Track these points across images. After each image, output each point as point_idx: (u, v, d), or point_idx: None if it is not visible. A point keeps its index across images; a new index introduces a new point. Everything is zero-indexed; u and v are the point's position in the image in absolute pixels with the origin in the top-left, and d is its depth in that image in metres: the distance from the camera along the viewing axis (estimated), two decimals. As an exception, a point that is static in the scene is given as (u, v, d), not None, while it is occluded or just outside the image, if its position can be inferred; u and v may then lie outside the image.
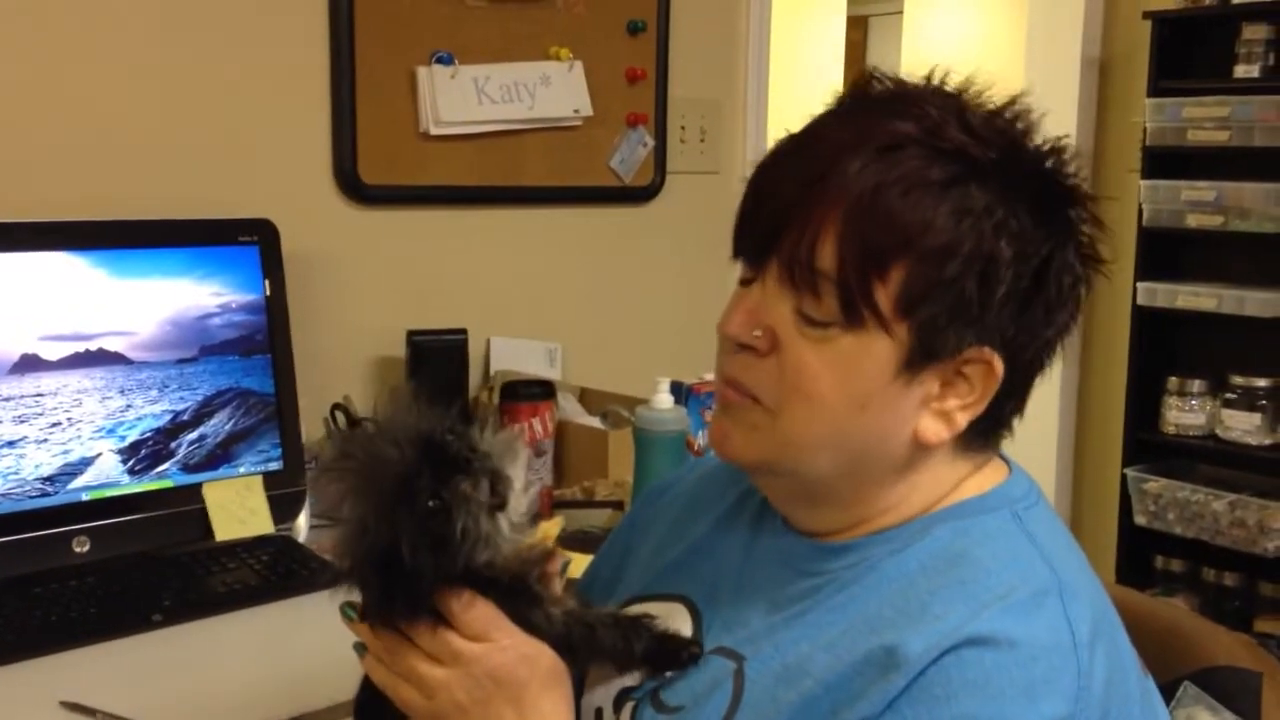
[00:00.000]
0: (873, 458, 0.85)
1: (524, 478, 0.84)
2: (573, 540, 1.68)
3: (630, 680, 0.91)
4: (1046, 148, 0.85)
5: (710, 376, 1.96)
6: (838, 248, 0.80)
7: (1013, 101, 0.85)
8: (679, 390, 1.86)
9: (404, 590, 0.82)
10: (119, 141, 1.76)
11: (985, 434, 0.87)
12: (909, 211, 0.79)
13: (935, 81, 0.85)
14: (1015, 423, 0.89)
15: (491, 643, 0.84)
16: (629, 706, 0.90)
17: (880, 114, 0.83)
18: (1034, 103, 0.86)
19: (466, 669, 0.84)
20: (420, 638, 0.84)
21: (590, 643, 0.88)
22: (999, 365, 0.83)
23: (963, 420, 0.84)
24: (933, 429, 0.84)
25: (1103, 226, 0.86)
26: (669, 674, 0.89)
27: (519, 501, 0.83)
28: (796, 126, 0.87)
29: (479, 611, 0.84)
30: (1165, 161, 2.92)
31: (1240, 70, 2.83)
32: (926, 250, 0.79)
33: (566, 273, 2.25)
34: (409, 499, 0.79)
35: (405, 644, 0.85)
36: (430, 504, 0.79)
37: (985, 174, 0.80)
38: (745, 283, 0.87)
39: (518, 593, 0.86)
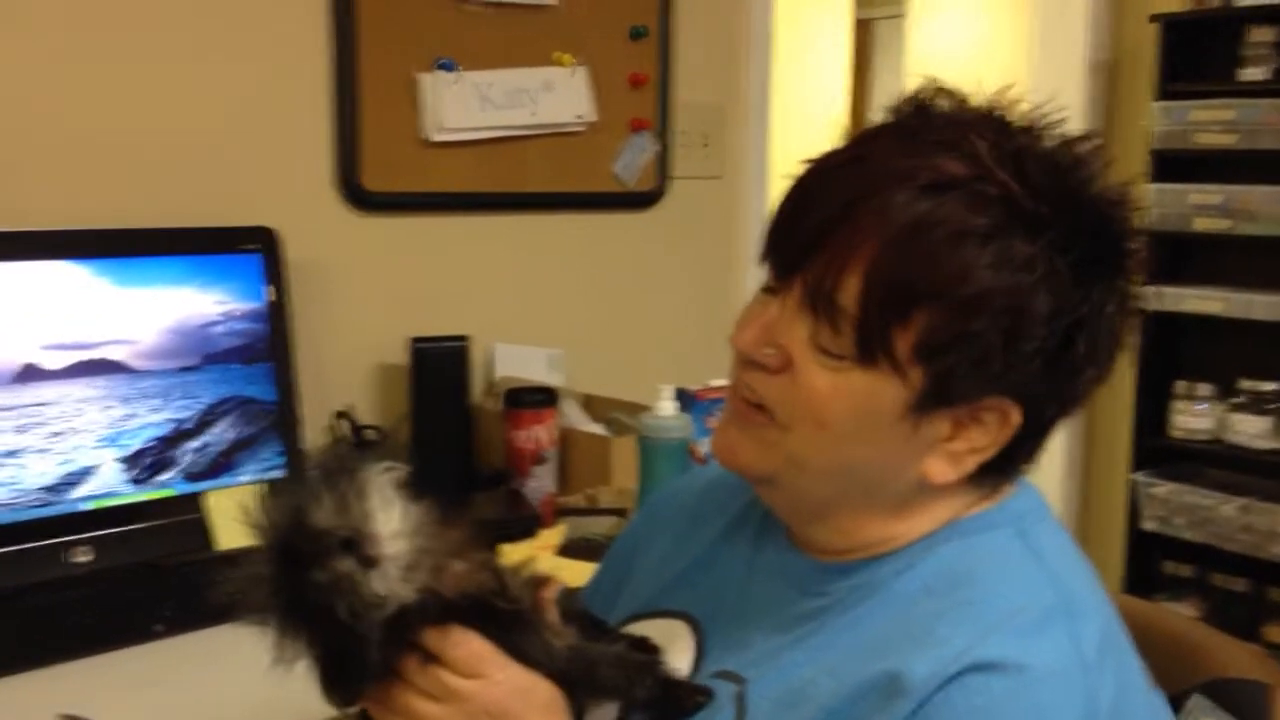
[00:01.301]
0: (877, 489, 0.84)
1: (394, 512, 0.80)
2: (576, 548, 1.67)
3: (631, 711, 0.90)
4: (1109, 197, 0.81)
5: (715, 383, 1.95)
6: (863, 285, 0.78)
7: (1082, 139, 0.82)
8: (683, 397, 1.85)
9: (342, 681, 0.81)
10: (120, 150, 1.76)
11: (996, 474, 0.85)
12: (944, 258, 0.76)
13: (1000, 108, 0.82)
14: (1030, 466, 0.87)
15: (485, 678, 0.82)
16: None
17: (933, 145, 0.79)
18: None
19: (461, 705, 0.82)
20: (412, 675, 0.83)
21: (591, 681, 0.87)
22: (1016, 417, 0.81)
23: (972, 464, 0.83)
24: (940, 470, 0.83)
25: (1150, 278, 0.83)
26: None
27: (393, 543, 0.79)
28: (805, 137, 0.85)
29: (469, 648, 0.82)
30: (1172, 165, 2.91)
31: (1247, 73, 2.82)
32: (955, 300, 0.77)
33: (570, 279, 2.24)
34: (295, 616, 0.78)
35: (398, 681, 0.83)
36: (314, 608, 0.77)
37: (1032, 225, 0.77)
38: (767, 290, 0.85)
39: (511, 623, 0.84)
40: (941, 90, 0.84)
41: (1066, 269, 0.78)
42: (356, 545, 0.78)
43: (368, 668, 0.80)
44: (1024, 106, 0.83)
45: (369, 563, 0.78)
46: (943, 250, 0.76)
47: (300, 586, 0.78)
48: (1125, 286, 0.82)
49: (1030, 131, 0.82)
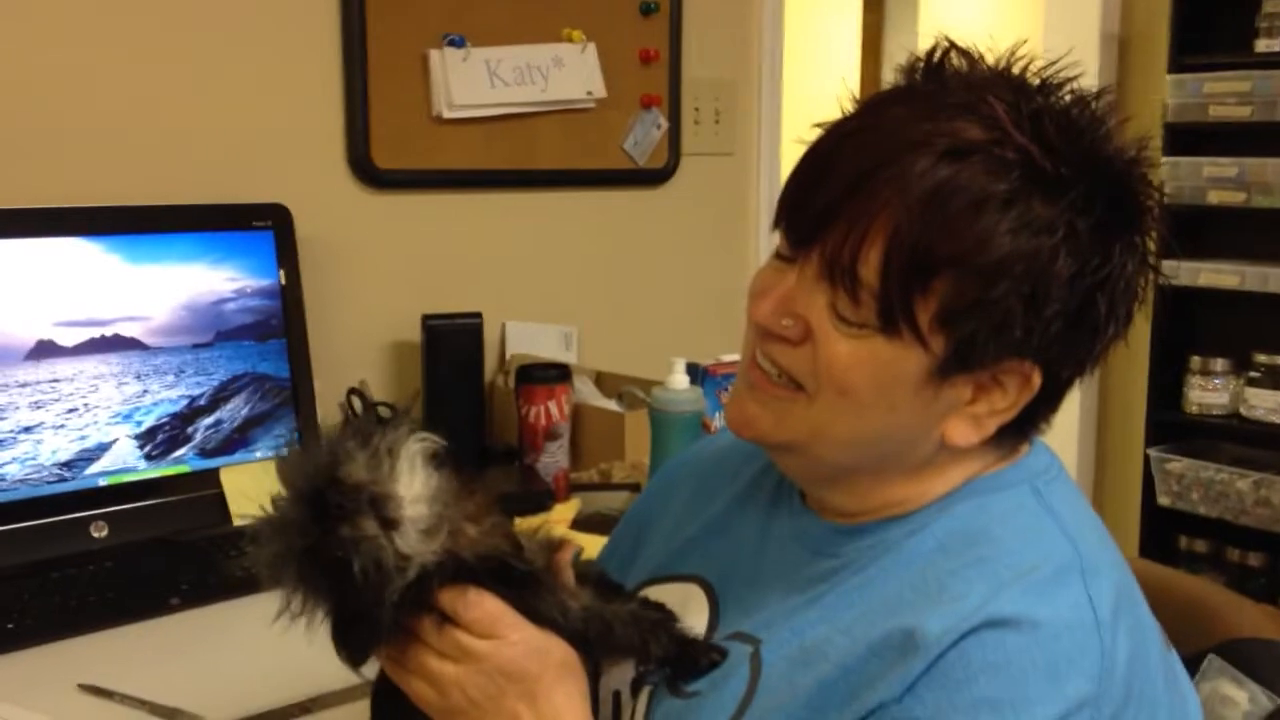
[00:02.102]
0: (897, 455, 0.84)
1: (417, 477, 0.81)
2: (590, 523, 1.67)
3: (646, 668, 0.90)
4: (1128, 155, 0.81)
5: (727, 358, 1.95)
6: (883, 256, 0.77)
7: (1097, 96, 0.81)
8: (695, 372, 1.85)
9: (354, 640, 0.82)
10: (131, 127, 1.76)
11: (1015, 434, 0.85)
12: (964, 226, 0.76)
13: (1014, 66, 0.81)
14: (1047, 426, 0.87)
15: (500, 638, 0.83)
16: (646, 691, 0.90)
17: (950, 108, 0.78)
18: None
19: (477, 665, 0.82)
20: (428, 636, 0.83)
21: (607, 640, 0.87)
22: (1037, 379, 0.81)
23: (993, 425, 0.83)
24: (961, 433, 0.82)
25: (1168, 237, 0.82)
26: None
27: (415, 507, 0.80)
28: (817, 113, 0.84)
29: (485, 608, 0.83)
30: (1187, 138, 2.89)
31: (1262, 45, 2.79)
32: (976, 268, 0.76)
33: (581, 256, 2.24)
34: (311, 567, 0.79)
35: (415, 641, 0.84)
36: (333, 562, 0.78)
37: (1052, 187, 0.77)
38: (781, 258, 0.84)
39: (526, 584, 0.84)
40: (955, 49, 0.83)
41: (1087, 230, 0.77)
42: (382, 505, 0.79)
43: (381, 627, 0.81)
44: (1038, 64, 0.82)
45: (391, 524, 0.79)
46: (963, 218, 0.76)
47: (324, 538, 0.78)
48: (1144, 242, 0.81)
49: (1046, 90, 0.81)
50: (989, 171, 0.76)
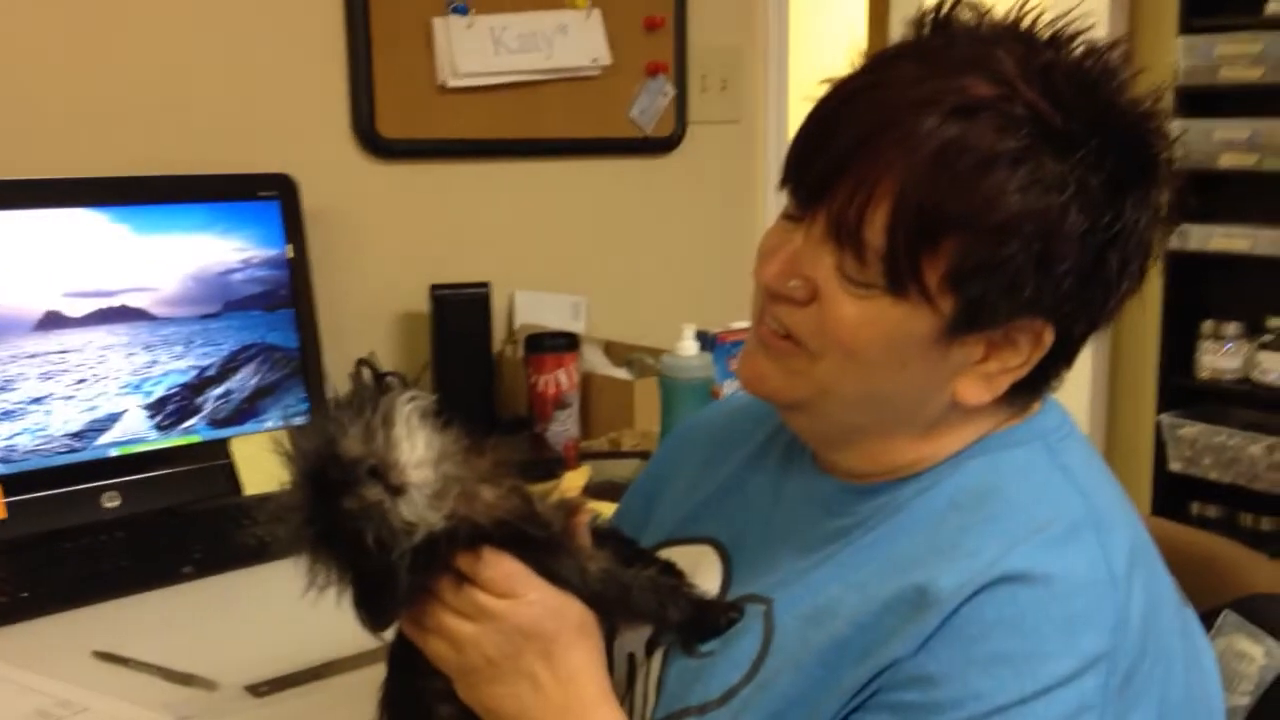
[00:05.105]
0: (908, 414, 0.83)
1: (418, 441, 0.80)
2: (601, 490, 1.67)
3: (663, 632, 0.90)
4: (1140, 109, 0.79)
5: (737, 325, 1.94)
6: (890, 216, 0.76)
7: (1110, 48, 0.79)
8: (705, 339, 1.84)
9: (374, 606, 0.82)
10: (137, 98, 1.75)
11: (1028, 391, 0.84)
12: (973, 185, 0.74)
13: (1022, 20, 0.80)
14: (1059, 383, 0.86)
15: (518, 598, 0.83)
16: (660, 652, 0.90)
17: (958, 63, 0.77)
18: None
19: (495, 624, 0.82)
20: (446, 595, 0.83)
21: (625, 604, 0.87)
22: (1049, 336, 0.80)
23: (1005, 383, 0.82)
24: (973, 391, 0.82)
25: (1182, 192, 0.81)
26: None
27: (419, 471, 0.79)
28: (822, 78, 0.82)
29: (502, 568, 0.83)
30: (1197, 101, 2.86)
31: (1273, 6, 2.76)
32: (986, 227, 0.75)
33: (588, 225, 2.23)
34: (325, 544, 0.79)
35: (433, 600, 0.84)
36: (345, 536, 0.78)
37: (1063, 143, 0.75)
38: (788, 218, 0.83)
39: (543, 546, 0.84)
40: (962, 3, 0.82)
41: (1098, 185, 0.76)
42: (382, 473, 0.78)
43: (398, 593, 0.81)
44: (1048, 17, 0.81)
45: (396, 490, 0.78)
46: (972, 177, 0.75)
47: (331, 514, 0.78)
48: (1157, 196, 0.80)
49: (1056, 43, 0.79)
50: (997, 129, 0.75)
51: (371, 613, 0.83)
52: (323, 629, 0.85)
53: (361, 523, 0.77)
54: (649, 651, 0.91)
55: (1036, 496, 0.81)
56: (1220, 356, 2.89)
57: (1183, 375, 2.95)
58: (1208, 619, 0.94)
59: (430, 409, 0.82)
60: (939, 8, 0.82)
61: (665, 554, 0.95)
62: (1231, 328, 2.88)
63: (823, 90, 0.83)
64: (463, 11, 1.99)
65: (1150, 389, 3.03)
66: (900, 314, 0.78)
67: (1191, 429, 2.90)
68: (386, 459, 0.79)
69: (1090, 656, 0.74)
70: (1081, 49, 0.80)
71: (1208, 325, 2.91)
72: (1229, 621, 0.95)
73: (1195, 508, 3.01)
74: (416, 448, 0.80)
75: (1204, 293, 2.98)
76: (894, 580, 0.79)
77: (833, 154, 0.79)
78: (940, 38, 0.81)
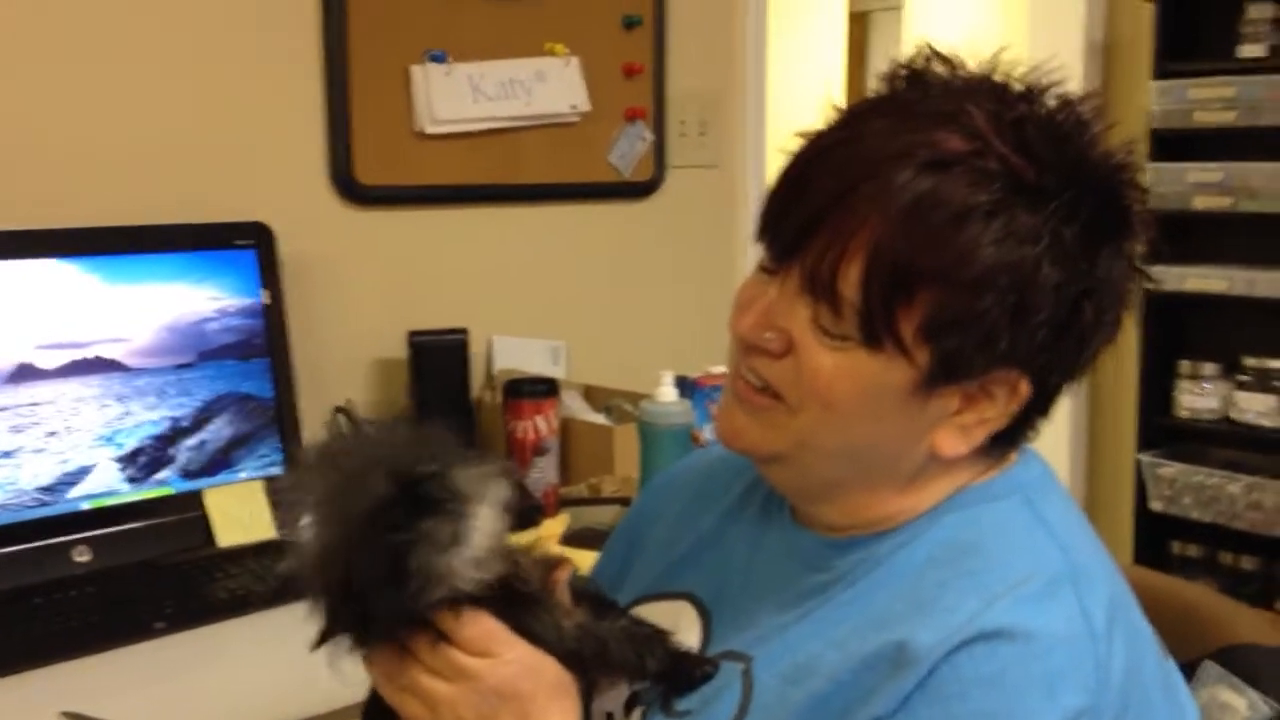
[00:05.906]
0: (886, 467, 0.83)
1: (494, 516, 0.80)
2: (579, 537, 1.66)
3: (640, 685, 0.89)
4: (1113, 161, 0.80)
5: (716, 370, 1.94)
6: (864, 270, 0.76)
7: (1082, 100, 0.80)
8: (684, 384, 1.84)
9: (361, 624, 0.80)
10: (112, 146, 1.75)
11: (1006, 442, 0.84)
12: (947, 239, 0.75)
13: (995, 72, 0.80)
14: (1036, 434, 0.86)
15: (495, 657, 0.81)
16: (639, 712, 0.88)
17: (931, 118, 0.77)
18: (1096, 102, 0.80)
19: (471, 684, 0.81)
20: (422, 653, 0.82)
21: (602, 658, 0.86)
22: (1025, 388, 0.80)
23: (981, 435, 0.82)
24: (950, 443, 0.81)
25: (1155, 244, 0.81)
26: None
27: (481, 541, 0.79)
28: (803, 124, 0.83)
29: (479, 627, 0.81)
30: (1172, 144, 2.89)
31: (1246, 50, 2.80)
32: (959, 281, 0.75)
33: (567, 270, 2.23)
34: (374, 534, 0.77)
35: (408, 658, 0.82)
36: (394, 541, 0.77)
37: (1036, 196, 0.76)
38: (764, 270, 0.83)
39: (521, 604, 0.83)
40: (936, 55, 0.82)
41: (1072, 237, 0.76)
42: (463, 522, 0.78)
43: (383, 628, 0.80)
44: (1021, 69, 0.81)
45: (459, 544, 0.78)
46: (945, 231, 0.75)
47: (404, 515, 0.77)
48: (1131, 248, 0.80)
49: (1030, 96, 0.80)
50: (971, 183, 0.75)
51: (344, 629, 0.80)
52: (296, 686, 0.84)
53: (417, 545, 0.76)
54: (627, 711, 0.90)
55: (1015, 551, 0.80)
56: (1199, 396, 2.90)
57: (1162, 415, 2.96)
58: (1188, 670, 0.94)
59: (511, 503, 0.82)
60: (911, 61, 0.82)
61: (644, 610, 0.93)
62: (1209, 367, 2.90)
63: (797, 143, 0.83)
64: (441, 59, 2.00)
65: (1130, 429, 3.04)
66: (877, 366, 0.78)
67: (1171, 469, 2.91)
68: (471, 511, 0.79)
69: (1072, 713, 0.73)
70: (1055, 101, 0.80)
71: (1185, 365, 2.92)
72: (1210, 673, 0.94)
73: (1176, 547, 3.01)
74: (491, 520, 0.80)
75: (1182, 333, 3.00)
76: (873, 637, 0.78)
77: (807, 209, 0.79)
78: (914, 91, 0.81)
